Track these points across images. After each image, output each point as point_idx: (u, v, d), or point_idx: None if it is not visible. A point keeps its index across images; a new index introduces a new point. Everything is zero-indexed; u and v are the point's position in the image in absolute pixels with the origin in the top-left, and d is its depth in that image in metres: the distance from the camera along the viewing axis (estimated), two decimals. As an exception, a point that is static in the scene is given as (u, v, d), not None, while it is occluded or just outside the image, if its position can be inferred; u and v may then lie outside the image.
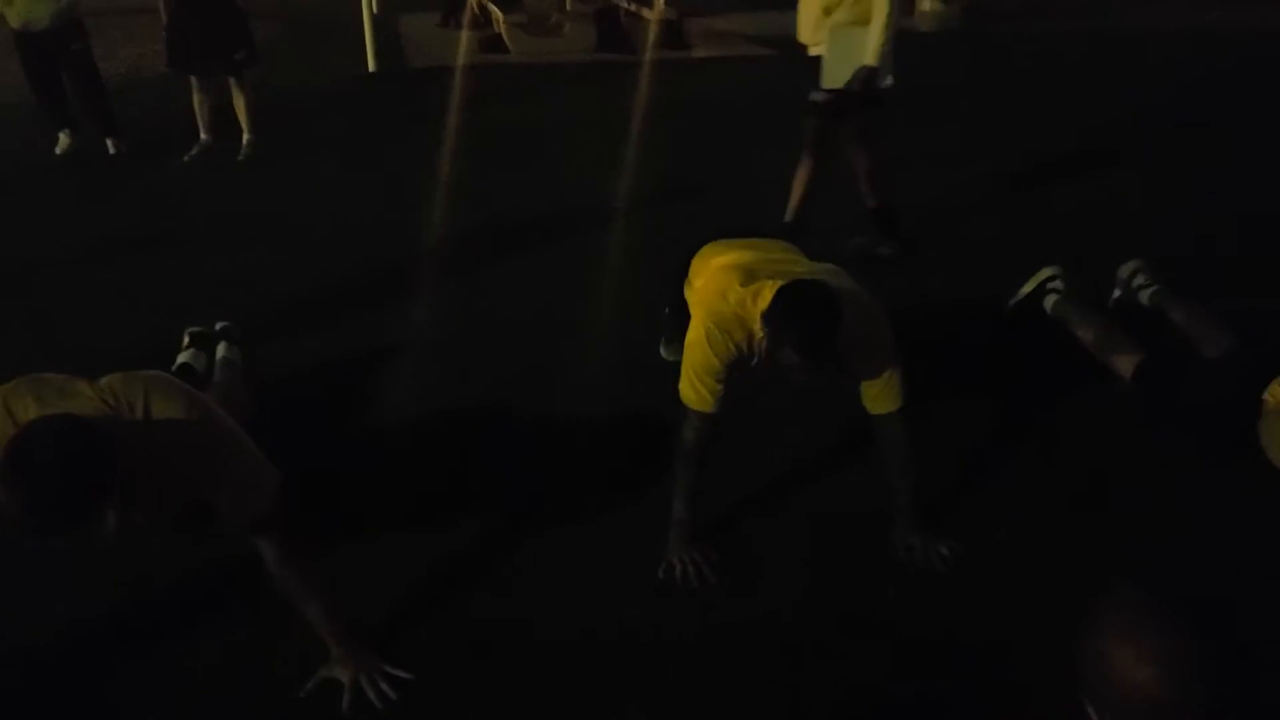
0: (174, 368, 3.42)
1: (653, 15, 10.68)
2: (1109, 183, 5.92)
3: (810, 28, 4.48)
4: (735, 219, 4.77)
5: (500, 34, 10.51)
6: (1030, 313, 3.97)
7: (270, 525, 2.30)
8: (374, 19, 9.20)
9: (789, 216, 4.72)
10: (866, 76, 4.29)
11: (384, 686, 2.38)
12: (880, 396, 2.81)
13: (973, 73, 9.02)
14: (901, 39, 4.36)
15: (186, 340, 3.61)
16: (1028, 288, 4.01)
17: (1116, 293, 4.03)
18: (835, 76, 4.38)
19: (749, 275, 2.78)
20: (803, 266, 2.97)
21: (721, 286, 2.80)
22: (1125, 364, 3.44)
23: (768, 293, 2.64)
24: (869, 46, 4.24)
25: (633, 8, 10.67)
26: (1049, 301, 3.90)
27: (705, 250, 3.21)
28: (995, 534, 2.94)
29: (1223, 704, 1.17)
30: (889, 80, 4.37)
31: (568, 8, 11.57)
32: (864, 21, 4.25)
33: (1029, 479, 3.20)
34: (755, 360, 2.74)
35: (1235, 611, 1.23)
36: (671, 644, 2.58)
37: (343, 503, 3.12)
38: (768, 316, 2.57)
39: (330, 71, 9.27)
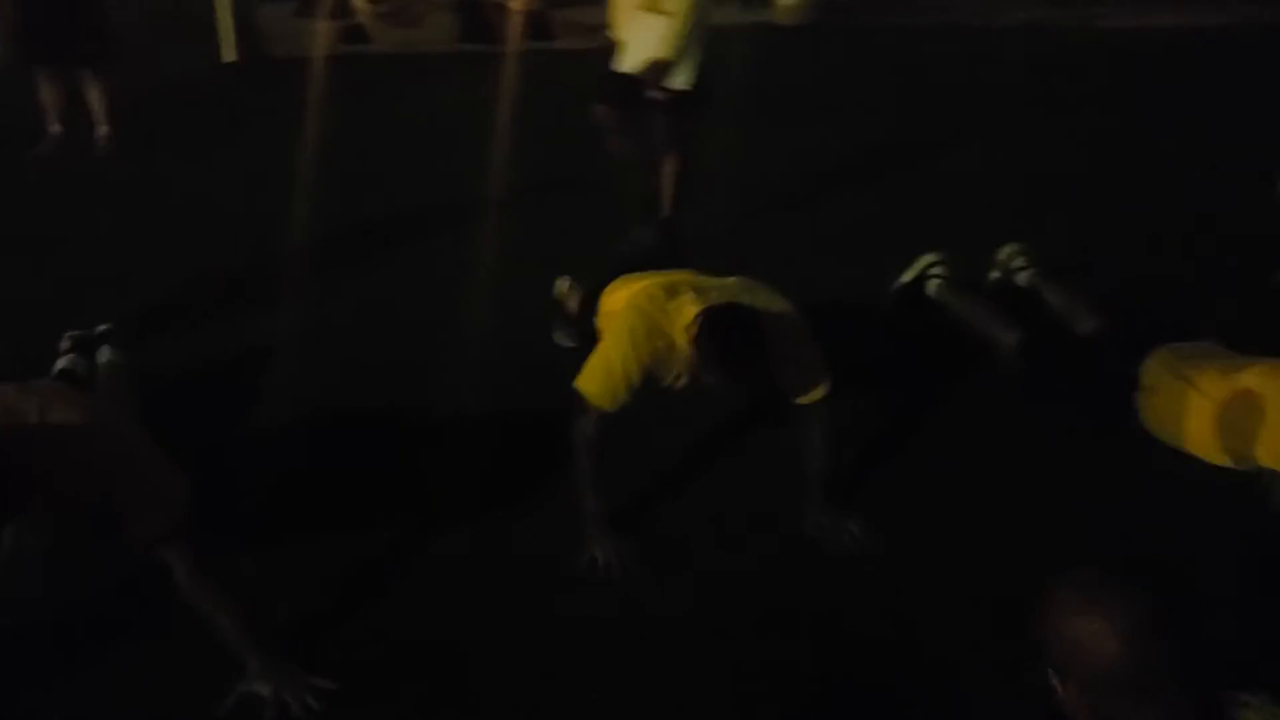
0: (53, 374, 3.24)
1: (517, 6, 10.58)
2: (973, 169, 6.10)
3: (621, 18, 4.50)
4: (609, 210, 4.81)
5: (361, 23, 10.28)
6: (912, 299, 4.09)
7: (180, 536, 2.21)
8: (229, 7, 8.86)
9: (663, 211, 4.73)
10: (655, 69, 4.30)
11: (308, 699, 2.32)
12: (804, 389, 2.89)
13: (832, 66, 9.18)
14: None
15: (67, 344, 3.42)
16: (909, 275, 4.13)
17: (994, 275, 4.18)
18: (632, 63, 4.36)
19: (672, 291, 2.85)
20: (719, 283, 2.99)
21: (650, 295, 2.86)
22: (1006, 343, 3.60)
23: (691, 308, 2.70)
24: (661, 38, 4.25)
25: (496, -2, 10.59)
26: (931, 286, 4.03)
27: (615, 283, 3.22)
28: (898, 518, 3.01)
29: (1184, 661, 1.25)
30: (682, 80, 4.39)
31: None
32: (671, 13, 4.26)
33: (923, 462, 3.29)
34: (676, 372, 2.79)
35: (1184, 579, 1.31)
36: (599, 637, 2.59)
37: (239, 510, 3.01)
38: (694, 341, 2.63)
39: (187, 61, 8.86)
